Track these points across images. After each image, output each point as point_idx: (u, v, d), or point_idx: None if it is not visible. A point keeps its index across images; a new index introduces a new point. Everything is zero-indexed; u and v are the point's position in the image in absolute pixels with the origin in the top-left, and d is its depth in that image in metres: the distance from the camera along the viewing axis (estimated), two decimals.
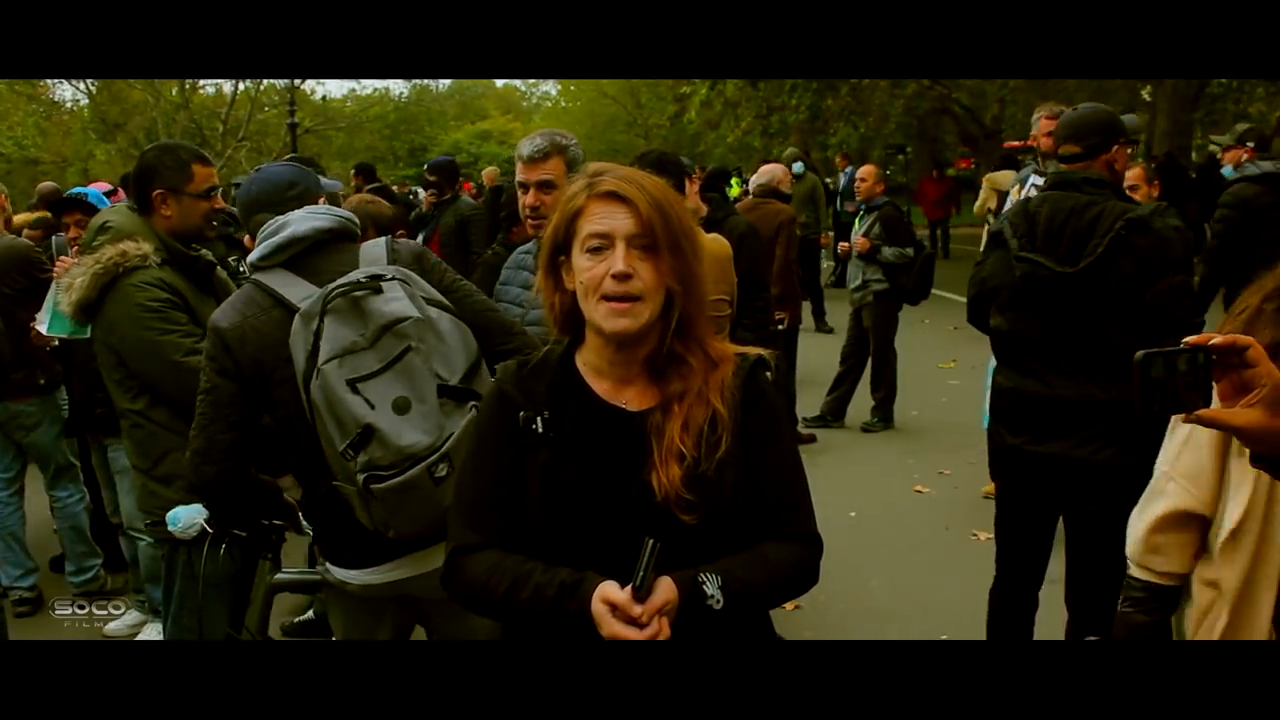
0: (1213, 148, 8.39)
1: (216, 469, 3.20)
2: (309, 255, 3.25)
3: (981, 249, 4.60)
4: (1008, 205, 6.63)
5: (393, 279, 3.08)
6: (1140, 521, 2.75)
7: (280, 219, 3.28)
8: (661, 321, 2.26)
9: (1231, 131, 8.50)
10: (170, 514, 3.59)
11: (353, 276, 3.05)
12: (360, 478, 2.94)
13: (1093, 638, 4.06)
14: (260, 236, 3.30)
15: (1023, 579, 4.50)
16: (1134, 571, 2.79)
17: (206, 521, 3.54)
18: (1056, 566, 4.46)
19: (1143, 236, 3.98)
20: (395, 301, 3.03)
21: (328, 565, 3.38)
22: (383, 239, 3.40)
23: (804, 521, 2.36)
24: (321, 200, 3.54)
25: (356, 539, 3.20)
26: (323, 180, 4.84)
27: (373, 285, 3.03)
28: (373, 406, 2.93)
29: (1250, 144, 7.97)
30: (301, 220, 3.26)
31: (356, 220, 3.40)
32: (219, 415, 3.17)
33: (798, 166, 15.15)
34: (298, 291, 3.15)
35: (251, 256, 3.29)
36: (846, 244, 11.90)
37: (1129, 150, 4.52)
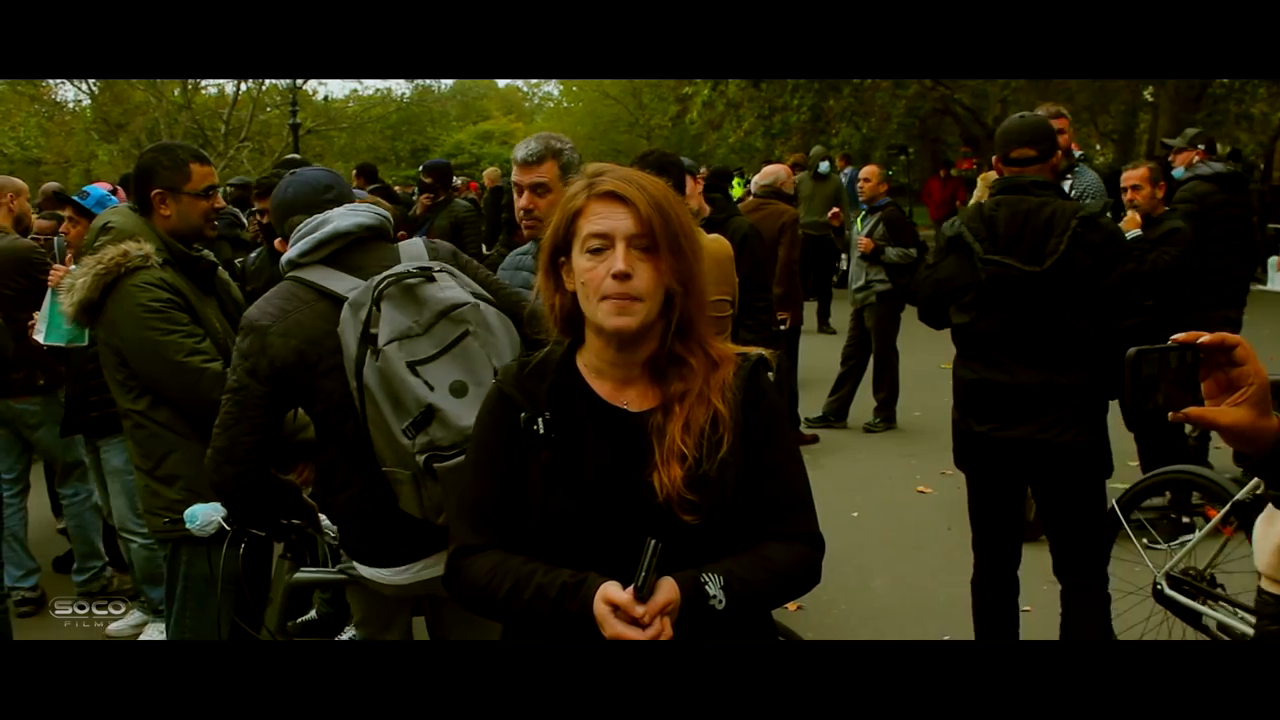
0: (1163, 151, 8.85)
1: (236, 470, 3.22)
2: (350, 251, 3.28)
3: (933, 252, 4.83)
4: None
5: (442, 270, 3.16)
6: (1271, 533, 2.67)
7: (320, 216, 3.31)
8: (662, 321, 2.26)
9: (1183, 135, 9.03)
10: (188, 511, 3.58)
11: (402, 267, 3.12)
12: (420, 458, 2.97)
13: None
14: (297, 235, 3.31)
15: (1002, 561, 4.73)
16: (1267, 586, 2.72)
17: (224, 520, 3.55)
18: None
19: (1094, 232, 4.32)
20: (449, 289, 3.11)
21: (354, 563, 3.40)
22: (419, 238, 3.45)
23: (806, 521, 2.36)
24: None
25: (389, 537, 3.24)
26: None
27: (425, 274, 3.10)
28: (432, 389, 2.98)
29: (1200, 146, 8.51)
30: (344, 216, 3.30)
31: (392, 220, 3.43)
32: (244, 416, 3.19)
33: (824, 166, 15.17)
34: (343, 284, 3.18)
35: (290, 253, 3.30)
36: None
37: None
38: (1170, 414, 1.76)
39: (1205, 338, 1.75)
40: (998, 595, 4.75)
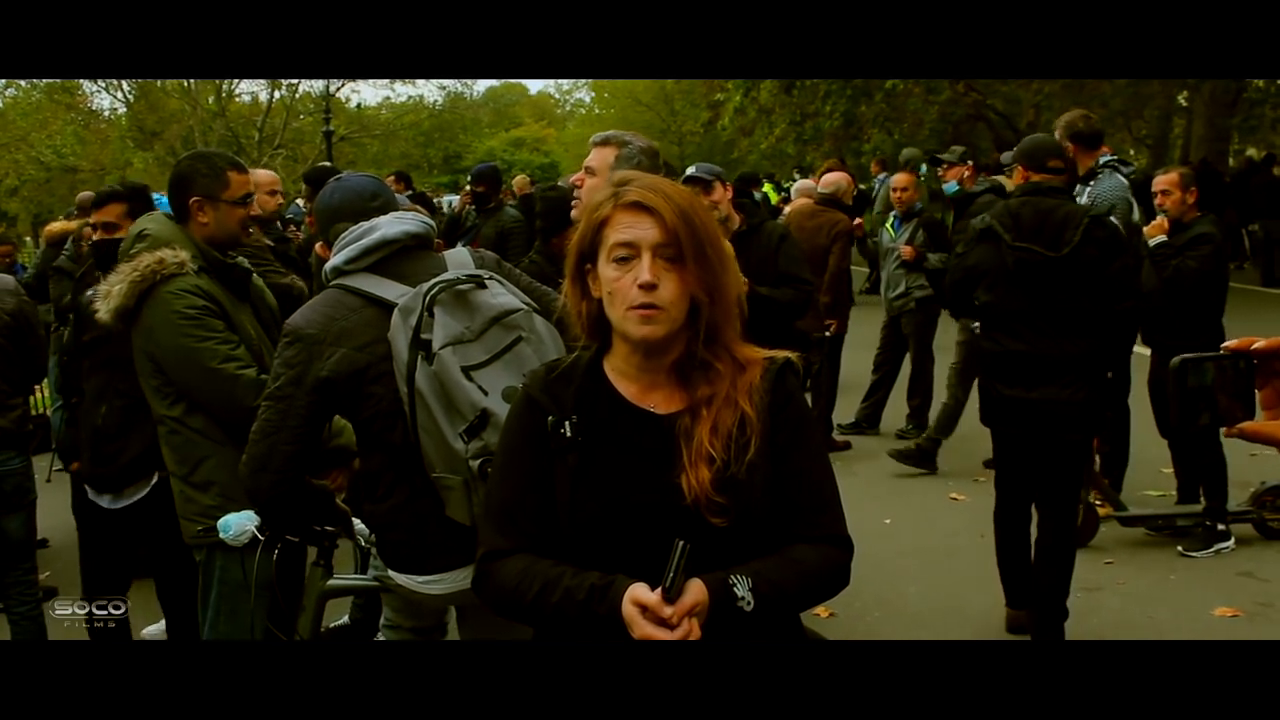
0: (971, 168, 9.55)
1: (273, 479, 3.21)
2: (396, 259, 3.28)
3: (962, 244, 5.73)
4: None
5: (492, 277, 3.18)
6: None
7: (367, 223, 3.31)
8: (688, 329, 2.27)
9: (951, 151, 9.87)
10: (221, 521, 3.59)
11: (453, 274, 3.14)
12: (475, 464, 2.98)
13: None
14: (342, 242, 3.31)
15: (1018, 500, 5.62)
16: None
17: (258, 528, 3.55)
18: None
19: (1100, 229, 5.21)
20: (501, 296, 3.15)
21: (389, 571, 3.39)
22: (464, 247, 3.48)
23: (834, 524, 2.35)
24: None
25: (430, 545, 3.24)
26: None
27: (476, 280, 3.13)
28: (485, 394, 3.00)
29: (969, 162, 9.46)
30: (391, 224, 3.31)
31: (435, 228, 3.45)
32: (284, 425, 3.18)
33: (923, 169, 14.99)
34: (390, 291, 3.18)
35: (334, 260, 3.31)
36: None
37: None
38: (1224, 430, 1.61)
39: (1260, 343, 1.58)
40: (1014, 525, 5.60)
